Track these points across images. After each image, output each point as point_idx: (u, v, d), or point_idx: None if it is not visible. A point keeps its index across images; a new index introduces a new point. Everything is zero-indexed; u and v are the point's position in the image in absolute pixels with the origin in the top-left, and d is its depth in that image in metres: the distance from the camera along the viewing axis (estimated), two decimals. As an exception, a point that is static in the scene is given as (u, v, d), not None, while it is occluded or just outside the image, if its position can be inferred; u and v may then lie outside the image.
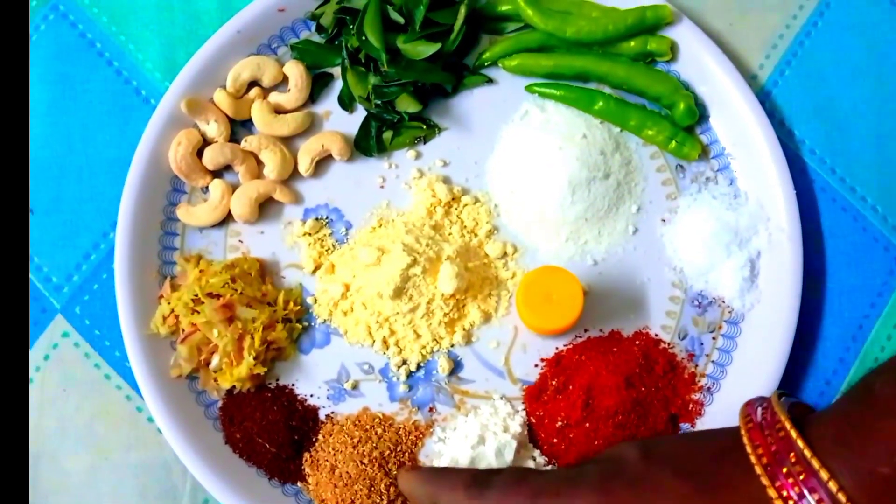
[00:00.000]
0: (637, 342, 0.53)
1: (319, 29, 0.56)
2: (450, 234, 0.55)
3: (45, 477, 0.53)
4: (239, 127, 0.56)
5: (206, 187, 0.55)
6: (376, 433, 0.51)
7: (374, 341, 0.53)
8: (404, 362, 0.53)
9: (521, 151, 0.55)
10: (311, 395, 0.53)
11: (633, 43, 0.56)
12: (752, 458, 0.34)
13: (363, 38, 0.53)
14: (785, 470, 0.33)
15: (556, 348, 0.54)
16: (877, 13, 0.59)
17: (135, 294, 0.52)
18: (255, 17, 0.55)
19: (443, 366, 0.53)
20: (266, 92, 0.56)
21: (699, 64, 0.56)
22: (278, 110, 0.56)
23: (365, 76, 0.55)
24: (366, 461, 0.50)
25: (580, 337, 0.54)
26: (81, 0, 0.58)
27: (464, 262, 0.53)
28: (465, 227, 0.55)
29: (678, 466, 0.36)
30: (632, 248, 0.55)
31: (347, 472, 0.50)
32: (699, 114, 0.55)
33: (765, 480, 0.33)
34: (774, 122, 0.55)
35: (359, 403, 0.53)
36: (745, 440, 0.35)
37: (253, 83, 0.56)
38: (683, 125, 0.55)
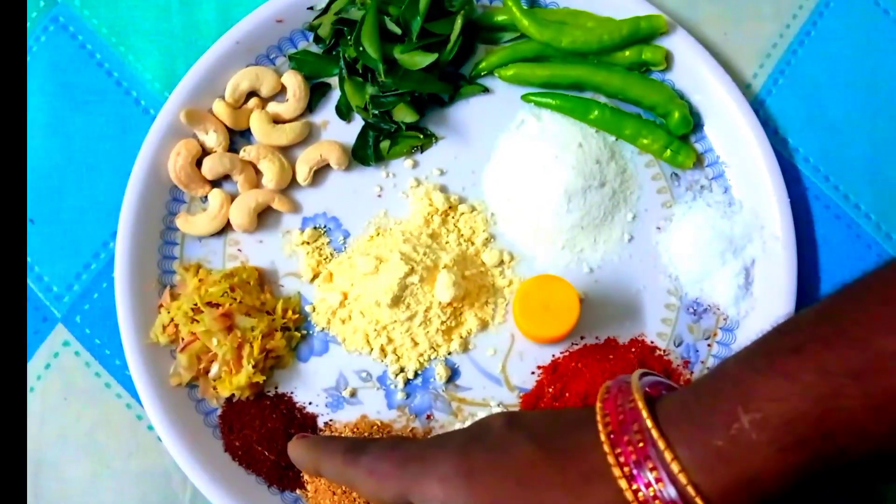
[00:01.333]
0: (633, 349, 0.54)
1: (317, 39, 0.57)
2: (447, 242, 0.55)
3: (46, 485, 0.53)
4: (238, 137, 0.56)
5: (205, 197, 0.55)
6: (374, 441, 0.52)
7: (371, 349, 0.54)
8: (402, 370, 0.54)
9: (517, 160, 0.56)
10: (310, 403, 0.54)
11: (627, 52, 0.56)
12: (600, 426, 0.34)
13: (361, 48, 0.54)
14: (626, 438, 0.33)
15: (553, 356, 0.54)
16: (870, 22, 0.59)
17: (135, 303, 0.53)
18: (253, 28, 0.56)
19: (440, 373, 0.54)
20: (264, 102, 0.57)
21: (694, 73, 0.56)
22: (277, 120, 0.56)
23: (362, 86, 0.55)
24: (364, 468, 0.51)
25: (576, 344, 0.54)
26: (81, 11, 0.59)
27: (461, 270, 0.53)
28: (462, 235, 0.56)
29: (534, 435, 0.37)
30: (627, 256, 0.56)
31: (346, 480, 0.51)
32: (694, 123, 0.56)
33: (606, 447, 0.33)
34: (768, 131, 0.56)
35: (357, 411, 0.54)
36: (598, 410, 0.35)
37: (251, 93, 0.56)
38: (678, 134, 0.56)
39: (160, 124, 0.54)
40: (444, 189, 0.56)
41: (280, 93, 0.57)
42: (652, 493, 0.32)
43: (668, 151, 0.56)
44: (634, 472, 0.33)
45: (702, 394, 0.34)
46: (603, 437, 0.34)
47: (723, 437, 0.32)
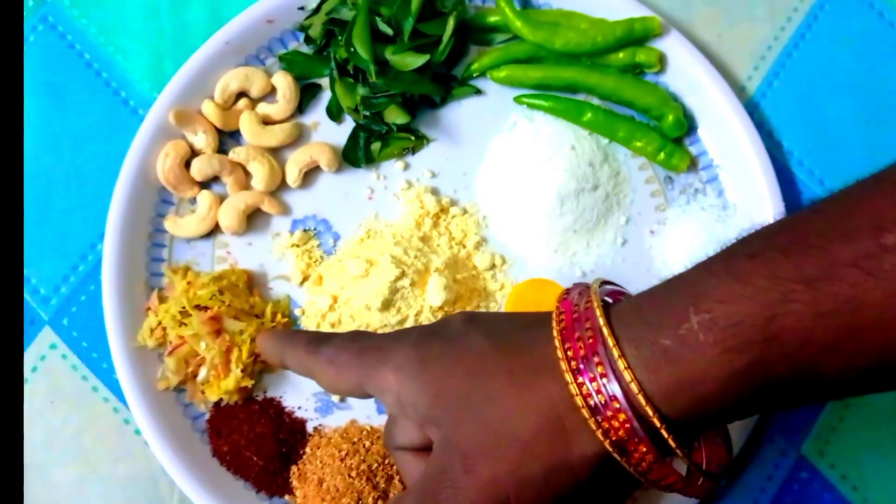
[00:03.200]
0: (625, 354, 0.53)
1: (308, 40, 0.56)
2: (438, 245, 0.55)
3: (33, 490, 0.52)
4: (227, 138, 0.56)
5: (194, 199, 0.55)
6: (364, 446, 0.51)
7: (362, 353, 0.53)
8: (392, 374, 0.53)
9: (509, 162, 0.55)
10: (299, 408, 0.53)
11: (621, 54, 0.56)
12: (554, 322, 0.35)
13: (352, 49, 0.53)
14: (577, 335, 0.33)
15: (545, 360, 0.54)
16: (865, 24, 0.59)
17: (122, 306, 0.52)
18: (243, 28, 0.55)
19: (431, 378, 0.53)
20: (254, 103, 0.56)
21: (688, 75, 0.56)
22: (266, 121, 0.56)
23: (353, 87, 0.55)
24: (353, 474, 0.50)
25: (569, 349, 0.54)
26: (70, 11, 0.58)
27: (452, 273, 0.53)
28: (454, 238, 0.55)
29: (491, 330, 0.37)
30: (620, 260, 0.55)
31: (335, 486, 0.50)
32: (688, 125, 0.55)
33: (557, 342, 0.34)
34: (763, 134, 0.55)
35: (346, 416, 0.53)
36: (554, 308, 0.36)
37: (241, 94, 0.56)
38: (672, 136, 0.55)
39: (149, 125, 0.54)
40: (435, 191, 0.56)
41: (270, 94, 0.56)
42: (595, 388, 0.32)
43: (662, 154, 0.55)
44: (581, 366, 0.33)
45: (657, 295, 0.34)
46: (555, 332, 0.34)
47: (671, 336, 0.32)
